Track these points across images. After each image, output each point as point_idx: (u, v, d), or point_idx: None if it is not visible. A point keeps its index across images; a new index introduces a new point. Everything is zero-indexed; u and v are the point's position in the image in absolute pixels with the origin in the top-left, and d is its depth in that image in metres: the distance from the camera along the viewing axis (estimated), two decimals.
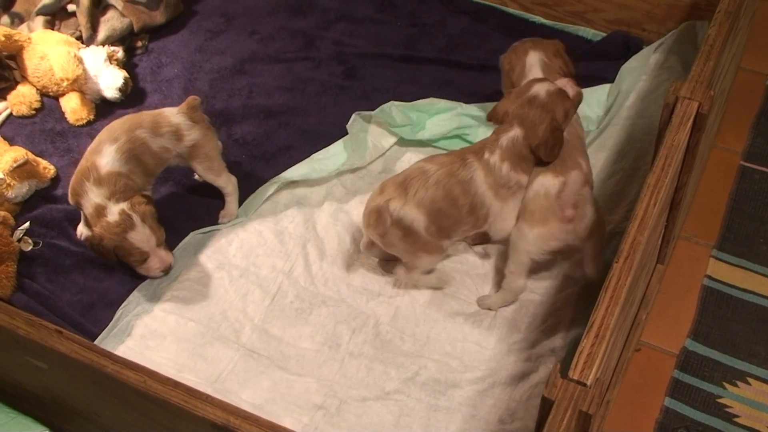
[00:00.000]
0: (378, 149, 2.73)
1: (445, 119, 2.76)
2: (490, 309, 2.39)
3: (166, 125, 2.46)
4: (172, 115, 2.48)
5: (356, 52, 3.06)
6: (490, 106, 2.51)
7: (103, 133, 2.47)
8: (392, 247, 2.32)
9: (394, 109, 2.74)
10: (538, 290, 2.41)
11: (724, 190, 2.80)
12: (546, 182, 2.26)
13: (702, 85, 1.97)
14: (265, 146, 2.78)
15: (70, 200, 2.44)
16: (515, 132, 2.27)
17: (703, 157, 2.63)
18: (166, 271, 2.44)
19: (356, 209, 2.60)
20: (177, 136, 2.47)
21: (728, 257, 2.63)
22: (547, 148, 2.24)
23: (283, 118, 2.87)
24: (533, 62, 2.52)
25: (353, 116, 2.74)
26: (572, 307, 2.37)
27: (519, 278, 2.32)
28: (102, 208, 2.33)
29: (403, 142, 2.78)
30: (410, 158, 2.74)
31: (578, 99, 2.40)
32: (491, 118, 2.36)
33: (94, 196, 2.35)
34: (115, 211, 2.32)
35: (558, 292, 2.41)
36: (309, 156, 2.71)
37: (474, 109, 2.77)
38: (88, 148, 2.45)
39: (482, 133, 2.70)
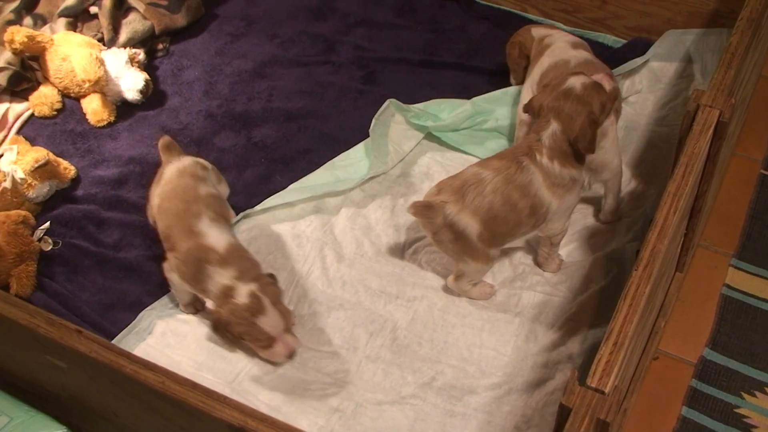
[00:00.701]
0: (399, 153, 2.74)
1: (460, 110, 2.78)
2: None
3: (202, 169, 2.41)
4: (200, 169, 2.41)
5: (376, 56, 3.07)
6: (492, 94, 2.72)
7: (171, 217, 2.27)
8: (442, 245, 2.32)
9: (410, 108, 2.77)
10: (556, 294, 2.41)
11: (744, 198, 2.79)
12: None
13: (723, 93, 1.96)
14: (285, 149, 2.79)
15: (191, 289, 2.27)
16: (553, 127, 2.26)
17: (724, 165, 2.62)
18: (291, 357, 2.25)
19: (374, 213, 2.61)
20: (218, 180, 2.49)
21: (747, 266, 2.62)
22: (585, 141, 2.22)
23: (303, 121, 2.88)
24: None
25: (374, 121, 2.74)
26: (590, 312, 2.36)
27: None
28: (230, 289, 2.15)
29: (420, 146, 2.79)
30: (428, 162, 2.75)
31: (615, 93, 2.39)
32: (527, 110, 2.36)
33: (220, 278, 2.17)
34: (243, 293, 2.14)
35: (576, 296, 2.40)
36: (328, 160, 2.73)
37: (481, 100, 2.80)
38: (171, 234, 2.26)
39: (500, 114, 2.77)
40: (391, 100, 2.77)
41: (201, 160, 2.43)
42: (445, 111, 2.81)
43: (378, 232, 2.58)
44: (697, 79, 2.81)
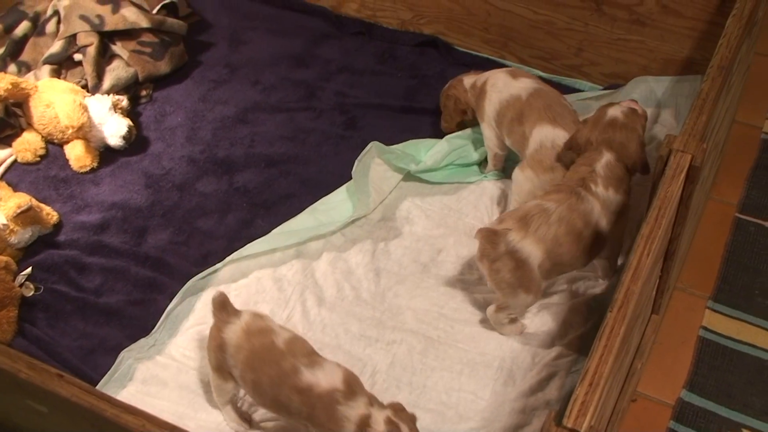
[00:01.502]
0: (380, 194, 2.78)
1: (437, 148, 2.85)
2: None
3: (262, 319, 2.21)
4: None
5: (357, 102, 3.11)
6: (463, 132, 2.86)
7: (271, 387, 2.08)
8: (497, 276, 2.32)
9: (392, 150, 2.83)
10: (535, 338, 2.43)
11: (720, 241, 2.84)
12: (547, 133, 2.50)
13: (695, 138, 2.00)
14: (266, 194, 2.82)
15: None
16: (607, 157, 2.36)
17: (699, 209, 2.66)
18: None
19: (355, 257, 2.63)
20: None
21: (724, 308, 2.66)
22: (642, 163, 2.37)
23: (285, 166, 2.91)
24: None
25: (356, 163, 2.78)
26: (569, 358, 2.38)
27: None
28: (366, 418, 2.00)
29: (399, 189, 2.82)
30: (408, 206, 2.78)
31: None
32: (571, 147, 2.46)
33: (356, 410, 2.02)
34: (380, 420, 2.00)
35: (557, 340, 2.42)
36: (309, 204, 2.75)
37: (454, 137, 2.89)
38: (281, 402, 2.08)
39: (474, 152, 2.87)
40: (374, 142, 2.82)
41: (255, 312, 2.22)
42: (422, 151, 2.87)
43: (359, 276, 2.60)
44: (671, 124, 2.85)
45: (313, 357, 2.09)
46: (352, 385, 2.05)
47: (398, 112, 3.08)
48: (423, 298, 2.54)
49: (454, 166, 2.87)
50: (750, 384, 2.48)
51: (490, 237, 2.29)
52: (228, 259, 2.60)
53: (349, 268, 2.62)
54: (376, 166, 2.82)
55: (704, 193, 2.68)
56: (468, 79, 2.84)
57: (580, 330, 2.43)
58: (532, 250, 2.27)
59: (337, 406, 2.01)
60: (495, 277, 2.32)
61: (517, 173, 2.62)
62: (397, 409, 2.04)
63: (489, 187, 2.83)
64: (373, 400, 2.04)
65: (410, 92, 3.16)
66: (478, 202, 2.79)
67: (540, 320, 2.47)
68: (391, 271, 2.61)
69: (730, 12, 2.30)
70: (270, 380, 2.07)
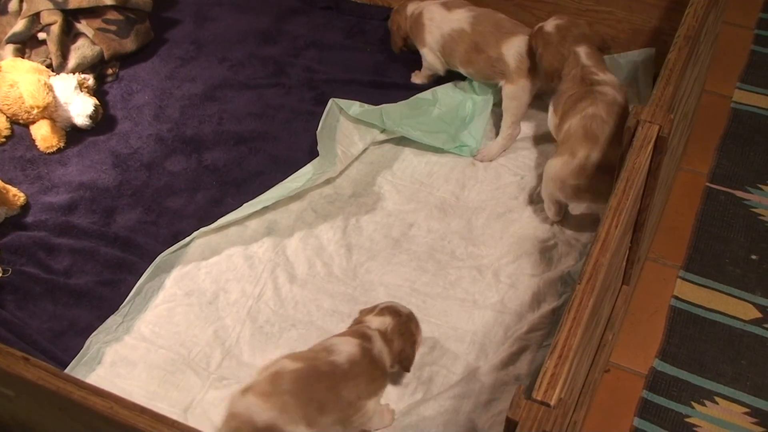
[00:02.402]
0: (347, 156, 2.76)
1: (400, 103, 2.92)
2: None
3: None
4: None
5: (326, 78, 3.09)
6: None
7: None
8: None
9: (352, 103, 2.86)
10: (506, 311, 2.43)
11: (691, 211, 2.84)
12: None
13: (662, 109, 2.00)
14: (236, 172, 2.80)
15: None
16: (582, 49, 2.63)
17: (669, 180, 2.67)
18: None
19: (326, 233, 2.63)
20: None
21: (695, 278, 2.66)
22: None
23: (254, 144, 2.89)
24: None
25: (321, 123, 2.79)
26: (541, 332, 2.38)
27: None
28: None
29: (370, 164, 2.81)
30: (380, 181, 2.77)
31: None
32: (552, 77, 2.66)
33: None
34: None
35: (529, 313, 2.42)
36: (279, 182, 2.73)
37: (416, 99, 2.96)
38: None
39: (441, 100, 2.96)
40: (333, 99, 2.83)
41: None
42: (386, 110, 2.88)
43: (330, 252, 2.59)
44: (637, 102, 2.85)
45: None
46: None
47: (367, 86, 3.06)
48: (395, 273, 2.53)
49: (422, 118, 2.90)
50: (721, 352, 2.49)
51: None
52: (197, 232, 2.58)
53: (320, 245, 2.61)
54: (343, 129, 2.81)
55: (674, 163, 2.68)
56: (410, 7, 2.96)
57: (554, 303, 2.43)
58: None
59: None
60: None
61: (510, 88, 2.78)
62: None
63: (460, 162, 2.82)
64: None
65: (379, 67, 3.14)
66: (449, 176, 2.79)
67: (513, 293, 2.47)
68: (362, 247, 2.60)
69: None
70: None
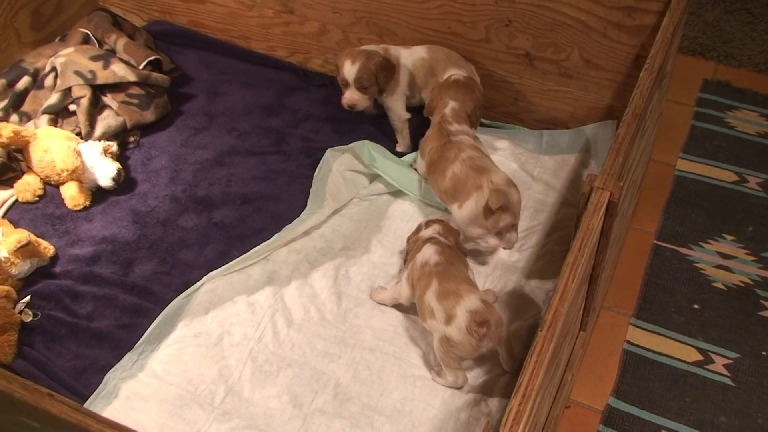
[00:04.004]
0: (335, 201, 2.80)
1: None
2: None
3: None
4: None
5: (321, 146, 3.08)
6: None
7: None
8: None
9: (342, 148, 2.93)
10: (479, 357, 2.41)
11: (641, 265, 2.86)
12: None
13: (613, 177, 2.01)
14: (241, 229, 2.80)
15: None
16: (451, 104, 2.76)
17: (621, 238, 2.68)
18: None
19: (319, 282, 2.62)
20: None
21: (645, 324, 2.67)
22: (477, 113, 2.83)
23: (257, 203, 2.89)
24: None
25: (316, 173, 2.87)
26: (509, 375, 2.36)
27: None
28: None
29: (358, 222, 2.82)
30: (368, 237, 2.77)
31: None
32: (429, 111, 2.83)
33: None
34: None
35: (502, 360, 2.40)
36: None
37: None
38: None
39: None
40: (329, 150, 2.91)
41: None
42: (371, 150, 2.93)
43: (323, 299, 2.58)
44: (592, 166, 2.88)
45: None
46: None
47: None
48: (379, 318, 2.53)
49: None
50: (668, 390, 2.49)
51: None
52: (207, 276, 2.59)
53: (314, 293, 2.61)
54: (332, 178, 2.84)
55: (625, 223, 2.70)
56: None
57: (523, 354, 2.42)
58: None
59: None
60: None
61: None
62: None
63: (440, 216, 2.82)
64: None
65: (370, 136, 3.13)
66: None
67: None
68: (351, 295, 2.59)
69: (643, 65, 2.32)
70: None
